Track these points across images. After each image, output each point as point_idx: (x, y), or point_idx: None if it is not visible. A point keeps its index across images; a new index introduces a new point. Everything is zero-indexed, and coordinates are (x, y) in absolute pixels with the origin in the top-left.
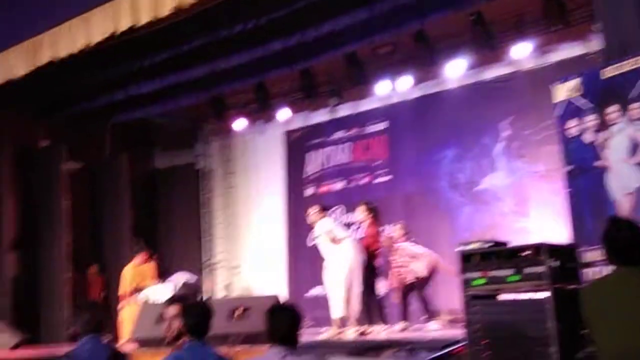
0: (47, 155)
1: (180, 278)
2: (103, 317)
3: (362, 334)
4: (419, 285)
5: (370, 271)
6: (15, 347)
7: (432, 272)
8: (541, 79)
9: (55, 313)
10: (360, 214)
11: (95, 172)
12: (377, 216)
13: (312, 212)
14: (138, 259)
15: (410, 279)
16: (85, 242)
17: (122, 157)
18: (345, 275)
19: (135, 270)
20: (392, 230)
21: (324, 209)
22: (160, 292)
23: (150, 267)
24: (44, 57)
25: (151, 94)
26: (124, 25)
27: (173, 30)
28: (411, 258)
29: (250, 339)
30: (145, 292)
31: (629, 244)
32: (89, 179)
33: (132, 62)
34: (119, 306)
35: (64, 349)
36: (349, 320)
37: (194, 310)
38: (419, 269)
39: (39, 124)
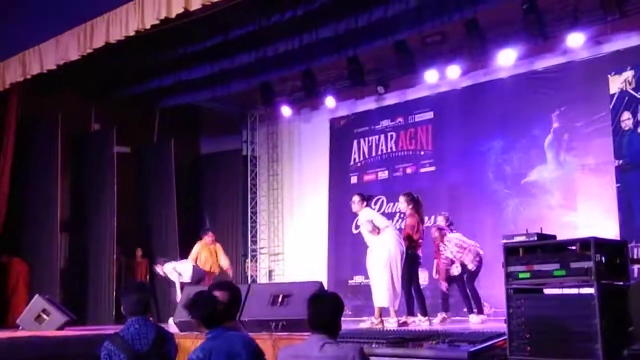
0: (98, 139)
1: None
2: (150, 298)
3: (403, 324)
4: (468, 278)
5: (411, 262)
6: (61, 328)
7: (479, 265)
8: (595, 70)
9: (102, 294)
10: (402, 204)
11: (143, 157)
12: (417, 207)
13: (355, 201)
14: (208, 238)
15: (457, 270)
16: (131, 225)
17: (169, 142)
18: (386, 265)
19: (205, 249)
20: (437, 222)
21: (366, 198)
22: (184, 267)
23: (217, 248)
24: (98, 41)
25: (200, 80)
26: (176, 10)
27: (224, 16)
28: (460, 249)
29: (292, 326)
30: (171, 264)
31: None
32: (136, 163)
33: (183, 48)
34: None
35: (110, 329)
36: (389, 310)
37: (200, 302)
38: (467, 261)
39: (91, 107)
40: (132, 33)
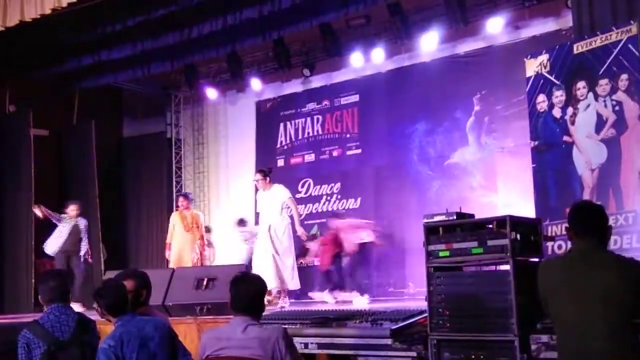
0: (14, 121)
1: None
2: (69, 285)
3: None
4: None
5: None
6: None
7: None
8: (514, 54)
9: (20, 282)
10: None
11: (62, 140)
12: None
13: (259, 178)
14: (182, 203)
15: None
16: (51, 210)
17: (89, 125)
18: (292, 246)
19: (179, 219)
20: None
21: (268, 173)
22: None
23: (193, 214)
24: (12, 19)
25: (122, 60)
26: None
27: None
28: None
29: (217, 309)
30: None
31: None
32: (55, 146)
33: (103, 27)
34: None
35: (29, 317)
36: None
37: (106, 289)
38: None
39: (6, 88)
40: (48, 11)
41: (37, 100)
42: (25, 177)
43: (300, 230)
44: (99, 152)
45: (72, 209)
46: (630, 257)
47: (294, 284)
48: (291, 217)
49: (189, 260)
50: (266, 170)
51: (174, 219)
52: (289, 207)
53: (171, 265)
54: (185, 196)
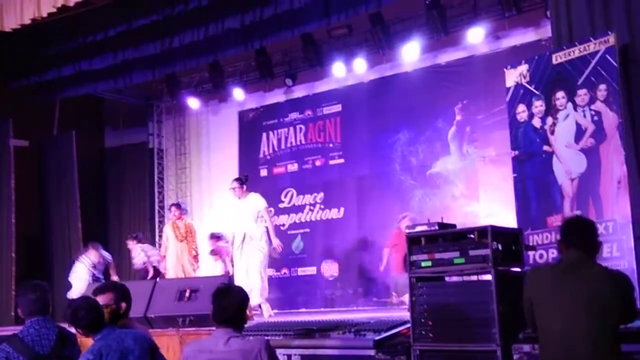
0: None
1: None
2: (49, 298)
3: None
4: None
5: None
6: None
7: None
8: (494, 64)
9: (0, 295)
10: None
11: (43, 150)
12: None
13: (235, 186)
14: (174, 213)
15: None
16: (32, 222)
17: (70, 135)
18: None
19: (171, 229)
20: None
21: (244, 181)
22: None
23: (187, 224)
24: None
25: (103, 70)
26: None
27: (128, 4)
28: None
29: (199, 321)
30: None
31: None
32: (36, 157)
33: (84, 36)
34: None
35: (10, 331)
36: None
37: (79, 313)
38: None
39: None
40: (28, 21)
41: (17, 110)
42: (5, 189)
43: (275, 242)
44: (80, 162)
45: (93, 255)
46: (617, 269)
47: (265, 293)
48: (267, 227)
49: (190, 271)
50: (243, 178)
51: (167, 230)
52: (263, 217)
53: (171, 276)
54: (178, 206)
